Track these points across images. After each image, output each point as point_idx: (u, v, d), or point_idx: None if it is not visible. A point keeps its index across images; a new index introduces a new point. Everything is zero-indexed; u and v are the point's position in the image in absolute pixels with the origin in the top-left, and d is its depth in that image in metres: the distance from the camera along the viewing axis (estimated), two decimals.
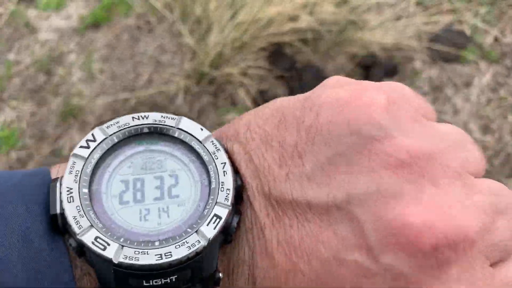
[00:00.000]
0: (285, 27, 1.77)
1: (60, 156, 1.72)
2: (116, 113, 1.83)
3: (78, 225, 0.25)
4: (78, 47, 2.11)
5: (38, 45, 2.14)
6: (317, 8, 1.78)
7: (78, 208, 0.26)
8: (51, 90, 1.95)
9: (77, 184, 0.27)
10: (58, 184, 0.27)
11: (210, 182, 0.28)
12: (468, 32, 2.10)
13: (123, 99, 1.86)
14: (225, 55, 1.78)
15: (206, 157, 0.28)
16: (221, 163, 0.28)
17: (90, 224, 0.25)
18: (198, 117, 1.79)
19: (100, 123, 0.30)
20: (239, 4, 1.80)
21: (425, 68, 2.00)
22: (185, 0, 1.96)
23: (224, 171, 0.27)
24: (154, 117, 0.30)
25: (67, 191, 0.26)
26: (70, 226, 0.26)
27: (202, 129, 0.29)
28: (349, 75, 1.98)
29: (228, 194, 0.27)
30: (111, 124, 0.29)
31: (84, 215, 0.26)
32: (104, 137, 0.29)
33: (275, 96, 1.84)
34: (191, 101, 1.83)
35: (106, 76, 1.96)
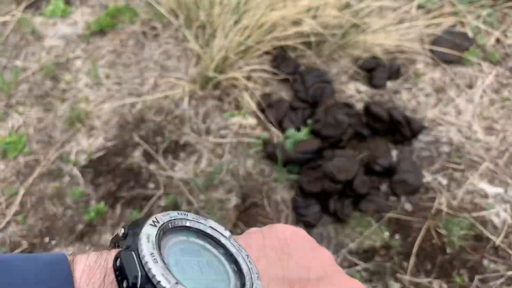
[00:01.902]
0: (288, 31, 1.79)
1: (67, 161, 1.73)
2: (123, 118, 1.85)
3: (167, 280, 0.30)
4: (84, 53, 2.14)
5: (44, 51, 2.17)
6: (320, 12, 1.80)
7: (163, 268, 0.30)
8: (58, 96, 1.97)
9: (156, 250, 0.31)
10: (133, 253, 0.31)
11: (241, 269, 0.34)
12: (470, 34, 2.11)
13: (129, 104, 1.88)
14: (229, 59, 1.80)
15: (233, 250, 0.35)
16: (246, 255, 0.35)
17: (176, 281, 0.30)
18: (203, 121, 1.81)
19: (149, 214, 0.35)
20: (242, 9, 1.82)
21: (427, 70, 2.01)
22: (189, 5, 1.98)
23: (249, 260, 0.34)
24: (192, 216, 0.36)
25: (151, 254, 0.31)
26: (159, 282, 0.29)
27: (225, 229, 0.36)
28: (352, 77, 2.00)
29: (258, 276, 0.34)
30: (164, 215, 0.35)
31: (169, 273, 0.30)
32: (163, 222, 0.34)
33: (279, 99, 1.85)
34: (196, 105, 1.85)
35: (112, 82, 1.98)
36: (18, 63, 2.14)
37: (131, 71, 2.02)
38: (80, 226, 1.59)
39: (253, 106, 1.83)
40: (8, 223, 1.62)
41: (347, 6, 1.90)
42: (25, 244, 1.57)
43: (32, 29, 2.28)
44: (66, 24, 2.32)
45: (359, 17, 1.91)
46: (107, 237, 1.56)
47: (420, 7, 2.24)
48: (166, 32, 2.11)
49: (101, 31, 2.22)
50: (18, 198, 1.67)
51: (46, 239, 1.57)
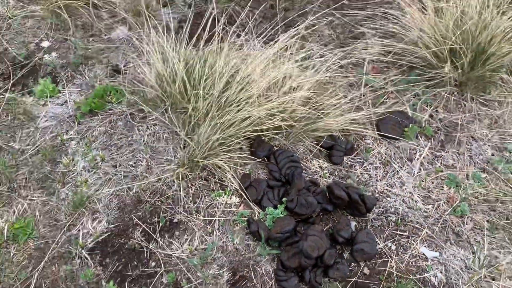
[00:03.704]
0: (265, 124, 2.14)
1: (76, 244, 1.97)
2: (121, 201, 2.11)
3: None
4: (77, 134, 2.36)
5: (38, 133, 2.37)
6: (289, 108, 2.16)
7: None
8: (58, 179, 2.19)
9: None
10: None
11: None
12: (409, 110, 2.55)
13: (126, 187, 2.15)
14: (213, 148, 2.12)
15: None
16: None
17: None
18: (193, 201, 2.11)
19: None
20: (225, 104, 2.14)
21: (375, 145, 2.42)
22: (175, 95, 2.28)
23: None
24: None
25: None
26: None
27: None
28: (316, 155, 2.37)
29: None
30: None
31: None
32: None
33: (257, 179, 2.18)
34: (186, 186, 2.14)
35: (108, 164, 2.23)
36: (14, 145, 2.34)
37: (124, 153, 2.28)
38: None
39: (236, 185, 2.15)
40: None
41: (309, 99, 2.28)
42: None
43: (23, 109, 2.48)
44: (56, 104, 2.53)
45: (319, 109, 2.29)
46: None
47: (367, 84, 2.66)
48: (153, 114, 2.39)
49: (91, 111, 2.46)
50: (33, 282, 1.89)
51: None
